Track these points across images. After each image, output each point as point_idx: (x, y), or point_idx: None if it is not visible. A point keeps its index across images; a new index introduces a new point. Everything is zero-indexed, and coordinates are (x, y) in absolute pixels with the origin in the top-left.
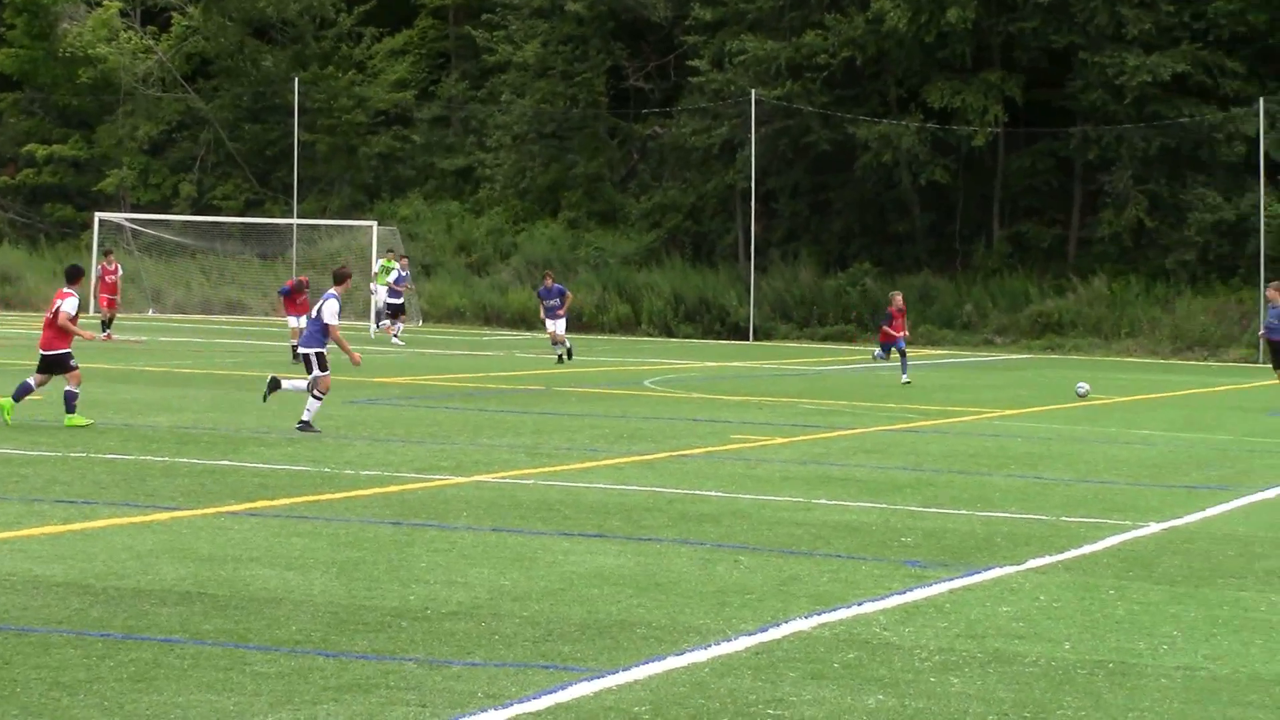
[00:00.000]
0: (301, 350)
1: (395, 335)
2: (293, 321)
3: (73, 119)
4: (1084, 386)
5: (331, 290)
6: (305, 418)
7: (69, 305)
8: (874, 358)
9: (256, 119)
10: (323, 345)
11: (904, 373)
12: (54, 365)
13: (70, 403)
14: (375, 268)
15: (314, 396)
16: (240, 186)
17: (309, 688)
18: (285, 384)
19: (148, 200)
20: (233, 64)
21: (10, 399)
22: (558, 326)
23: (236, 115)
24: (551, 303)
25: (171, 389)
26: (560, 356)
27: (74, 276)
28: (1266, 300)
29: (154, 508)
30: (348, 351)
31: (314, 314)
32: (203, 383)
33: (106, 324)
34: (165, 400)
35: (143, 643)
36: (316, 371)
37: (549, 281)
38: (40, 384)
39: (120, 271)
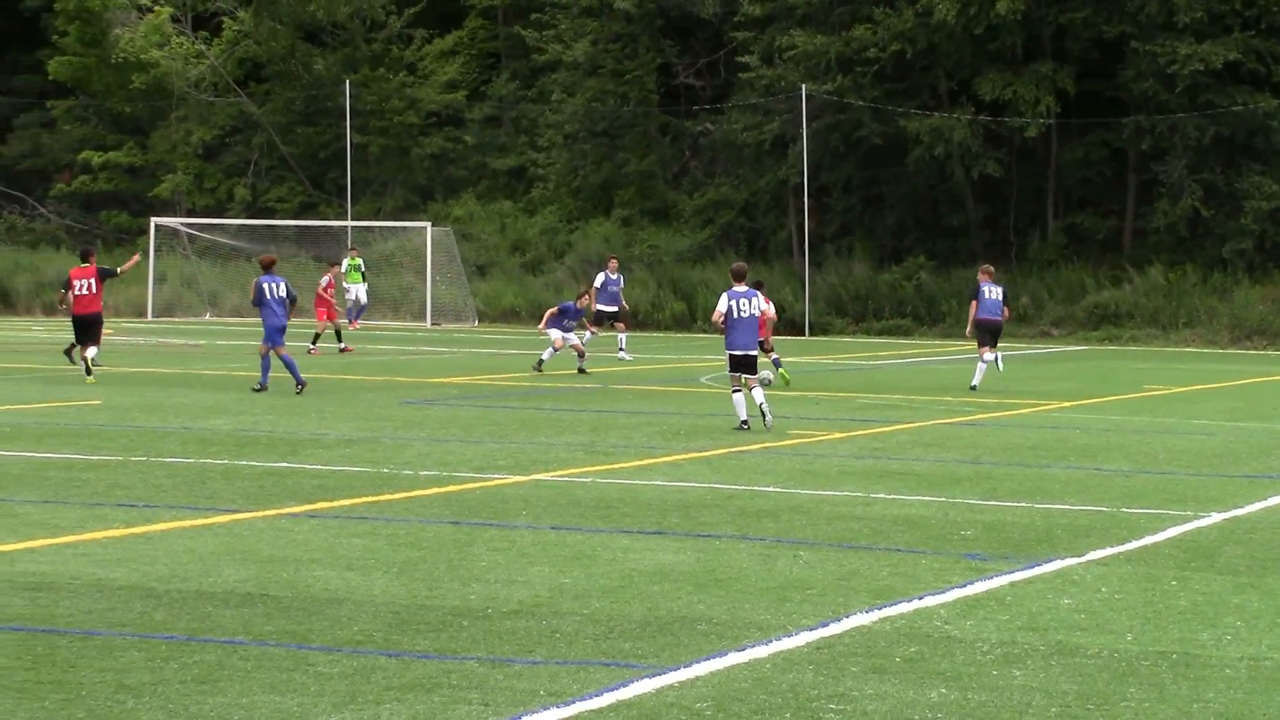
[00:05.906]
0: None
1: (621, 349)
2: None
3: (126, 125)
4: None
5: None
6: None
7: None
8: None
9: (309, 122)
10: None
11: None
12: None
13: None
14: (343, 266)
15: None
16: (294, 189)
17: (371, 688)
18: None
19: (203, 205)
20: (284, 68)
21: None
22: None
23: (289, 119)
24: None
25: (229, 392)
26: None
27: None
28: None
29: (214, 510)
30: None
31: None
32: None
33: (337, 334)
34: (223, 404)
35: (206, 645)
36: None
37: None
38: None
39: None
